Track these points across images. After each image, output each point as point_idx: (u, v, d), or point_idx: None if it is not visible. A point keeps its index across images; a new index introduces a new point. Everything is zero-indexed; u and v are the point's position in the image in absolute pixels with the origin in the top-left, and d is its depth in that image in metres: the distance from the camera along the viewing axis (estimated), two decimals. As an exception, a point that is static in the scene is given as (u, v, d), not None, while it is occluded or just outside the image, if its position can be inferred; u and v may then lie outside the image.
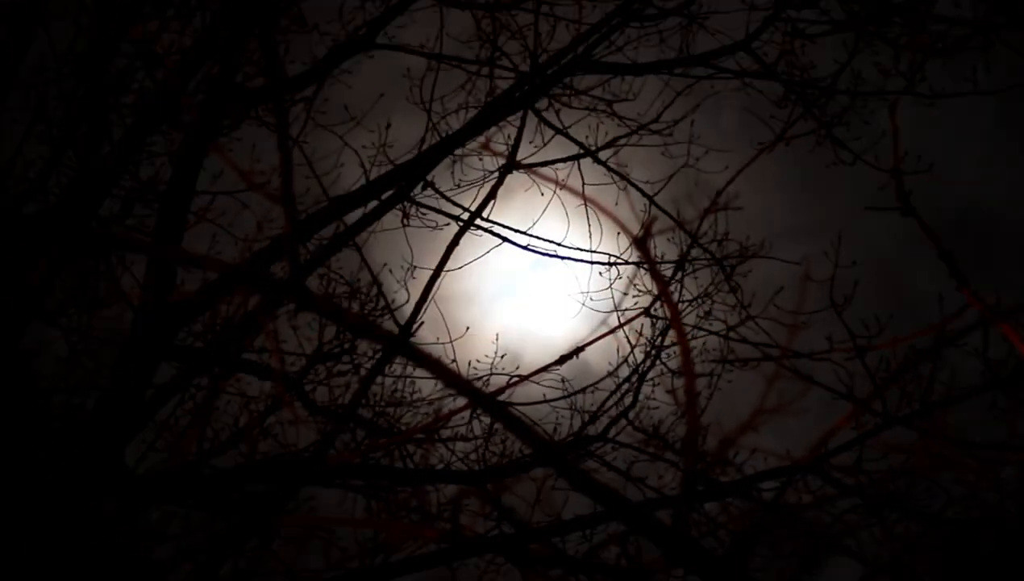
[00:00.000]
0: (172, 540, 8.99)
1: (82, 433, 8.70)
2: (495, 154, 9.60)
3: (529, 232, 9.66)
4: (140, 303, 8.86)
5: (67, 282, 9.56)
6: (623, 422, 9.57)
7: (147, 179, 9.61)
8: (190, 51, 9.14)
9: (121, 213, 9.59)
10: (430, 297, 9.29)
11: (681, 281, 9.80)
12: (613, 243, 9.81)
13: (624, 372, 9.63)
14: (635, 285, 9.79)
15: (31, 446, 8.74)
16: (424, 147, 9.47)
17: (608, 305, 9.72)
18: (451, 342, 9.45)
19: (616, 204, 9.78)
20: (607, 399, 9.58)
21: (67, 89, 9.37)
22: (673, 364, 9.71)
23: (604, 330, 9.48)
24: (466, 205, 9.62)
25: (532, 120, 9.67)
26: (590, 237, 9.74)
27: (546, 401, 9.48)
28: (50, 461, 8.68)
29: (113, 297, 9.51)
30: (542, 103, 9.68)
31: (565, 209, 9.67)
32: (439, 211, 9.59)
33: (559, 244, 9.72)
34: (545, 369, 9.24)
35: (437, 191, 9.58)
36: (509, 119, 9.63)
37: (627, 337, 9.68)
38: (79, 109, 9.24)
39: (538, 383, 9.38)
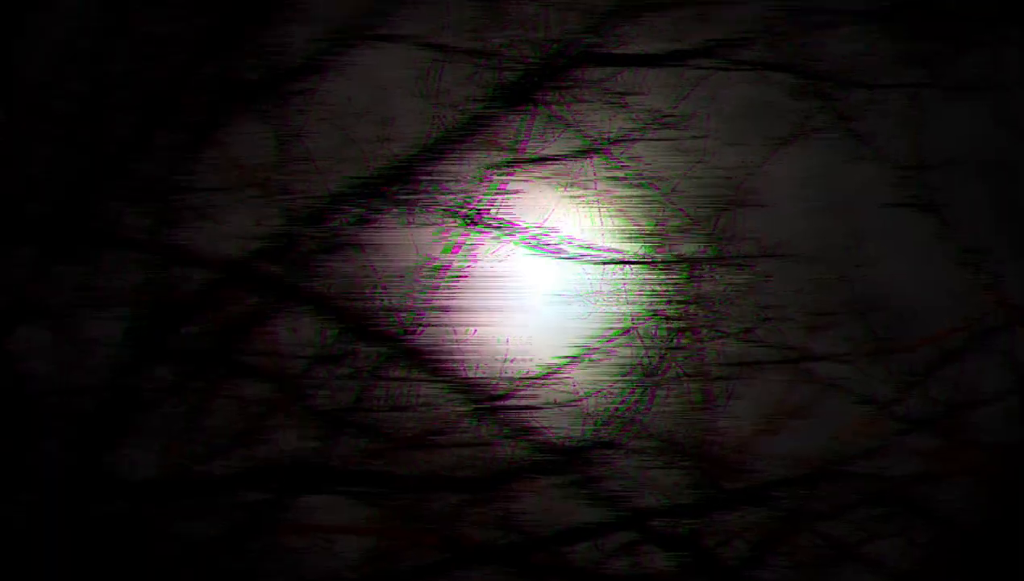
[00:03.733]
0: (172, 540, 8.94)
1: (80, 434, 8.78)
2: (501, 148, 9.46)
3: (537, 229, 9.51)
4: (139, 303, 8.92)
5: (67, 282, 9.50)
6: (634, 427, 9.44)
7: (147, 178, 9.56)
8: (190, 48, 9.15)
9: (121, 212, 9.53)
10: (432, 297, 9.19)
11: (696, 280, 9.63)
12: (624, 241, 9.63)
13: (636, 375, 9.48)
14: (648, 284, 9.66)
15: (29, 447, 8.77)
16: (428, 141, 9.37)
17: (620, 305, 9.54)
18: (455, 344, 9.31)
19: (628, 200, 9.59)
20: (618, 403, 9.44)
21: (68, 87, 9.26)
22: (687, 367, 9.61)
23: (616, 331, 9.39)
24: (471, 201, 9.47)
25: (540, 113, 9.51)
26: (601, 235, 9.58)
27: (554, 405, 9.33)
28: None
29: (112, 297, 9.39)
30: (550, 96, 9.53)
31: (575, 205, 9.53)
32: (443, 207, 9.45)
33: (569, 242, 9.58)
34: (553, 372, 9.24)
35: (441, 187, 9.47)
36: (516, 112, 9.49)
37: (639, 338, 9.53)
38: (80, 108, 9.18)
39: (546, 387, 9.27)
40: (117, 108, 9.31)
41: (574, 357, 9.25)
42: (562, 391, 9.31)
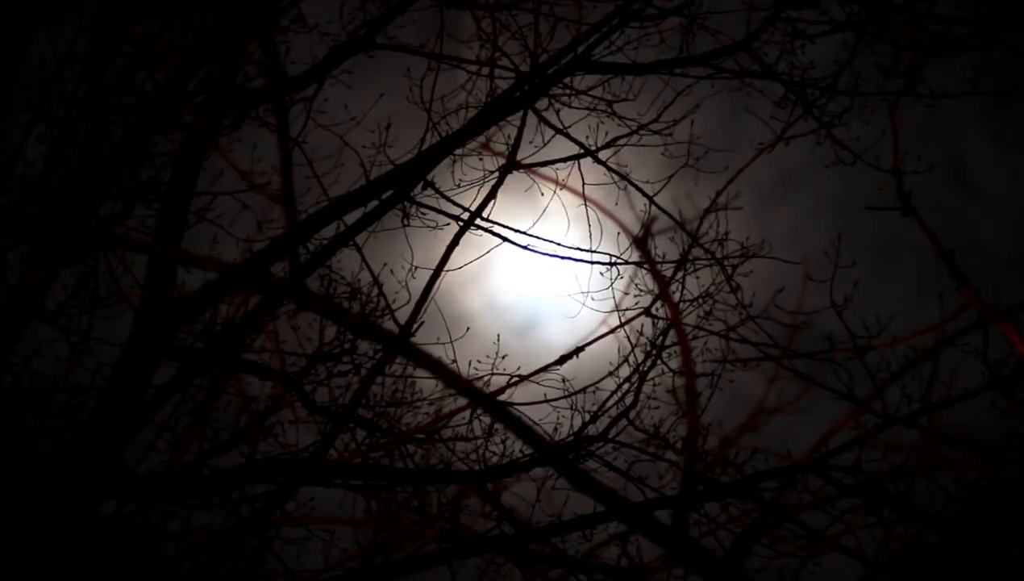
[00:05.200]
0: (172, 540, 8.96)
1: (82, 433, 8.77)
2: (495, 154, 9.61)
3: (529, 232, 9.69)
4: (140, 303, 8.94)
5: (67, 282, 9.56)
6: (623, 422, 9.60)
7: (147, 179, 9.60)
8: (190, 51, 9.20)
9: (121, 213, 9.57)
10: (430, 297, 9.30)
11: (682, 281, 9.81)
12: (613, 243, 9.86)
13: (625, 372, 9.66)
14: (635, 285, 9.81)
15: (31, 446, 8.81)
16: (424, 147, 9.51)
17: (608, 305, 9.75)
18: (451, 342, 9.47)
19: (616, 204, 9.82)
20: (607, 399, 9.61)
21: (68, 89, 9.36)
22: (673, 364, 9.73)
23: (604, 330, 9.54)
24: (466, 205, 9.64)
25: (532, 120, 9.70)
26: (590, 237, 9.79)
27: (546, 401, 9.50)
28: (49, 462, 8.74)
29: (113, 297, 9.49)
30: (542, 103, 9.71)
31: (565, 209, 9.71)
32: (439, 211, 9.61)
33: (559, 244, 9.74)
34: (545, 369, 9.36)
35: (437, 191, 9.60)
36: (509, 119, 9.65)
37: (627, 337, 9.71)
38: (80, 109, 9.26)
39: (538, 383, 9.42)
40: (119, 112, 9.39)
41: (566, 354, 9.35)
42: (555, 387, 9.46)
